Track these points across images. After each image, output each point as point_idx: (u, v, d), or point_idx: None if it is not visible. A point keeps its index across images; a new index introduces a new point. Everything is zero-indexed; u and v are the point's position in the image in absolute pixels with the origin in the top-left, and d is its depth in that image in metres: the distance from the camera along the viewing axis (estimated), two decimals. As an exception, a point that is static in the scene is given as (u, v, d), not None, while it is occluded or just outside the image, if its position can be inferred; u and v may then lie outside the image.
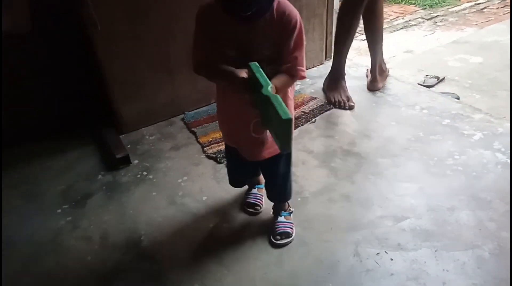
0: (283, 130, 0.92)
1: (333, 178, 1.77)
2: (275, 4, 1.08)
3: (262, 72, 0.99)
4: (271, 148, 1.28)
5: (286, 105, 0.92)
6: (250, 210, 1.60)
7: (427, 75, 2.92)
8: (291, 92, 1.26)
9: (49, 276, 1.40)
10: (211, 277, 1.35)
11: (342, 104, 2.31)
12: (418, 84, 2.66)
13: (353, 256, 1.39)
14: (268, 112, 0.94)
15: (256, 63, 1.02)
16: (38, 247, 1.51)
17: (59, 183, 1.84)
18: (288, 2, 1.11)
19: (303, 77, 1.16)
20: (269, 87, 0.95)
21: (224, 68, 1.09)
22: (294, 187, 1.72)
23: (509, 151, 1.83)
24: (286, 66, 1.13)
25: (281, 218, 1.50)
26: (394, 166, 1.81)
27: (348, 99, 2.34)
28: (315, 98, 2.39)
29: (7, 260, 1.46)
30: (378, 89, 2.47)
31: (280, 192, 1.45)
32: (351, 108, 2.29)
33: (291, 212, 1.54)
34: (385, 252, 1.39)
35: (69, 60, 2.04)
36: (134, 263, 1.42)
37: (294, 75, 1.15)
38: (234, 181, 1.56)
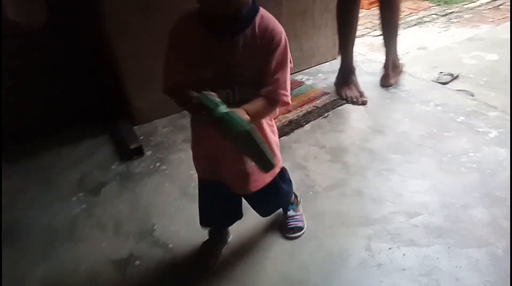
0: (249, 145, 0.84)
1: (345, 173, 1.76)
2: (257, 19, 0.95)
3: (212, 97, 0.87)
4: (259, 180, 1.16)
5: (263, 132, 0.88)
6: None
7: (441, 72, 2.87)
8: (270, 118, 1.12)
9: (64, 262, 1.42)
10: (222, 266, 1.36)
11: (355, 99, 2.30)
12: (432, 81, 2.64)
13: (364, 251, 1.39)
14: (230, 134, 0.85)
15: (208, 93, 0.89)
16: (55, 233, 1.54)
17: (75, 172, 1.87)
18: (272, 17, 0.99)
19: (286, 103, 1.02)
20: (221, 108, 0.85)
21: (189, 94, 0.93)
22: (306, 181, 1.73)
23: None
24: (266, 89, 0.98)
25: (290, 212, 1.48)
26: (407, 162, 1.80)
27: (361, 94, 2.33)
28: (328, 93, 2.39)
29: (25, 246, 1.50)
30: (390, 85, 2.45)
31: (274, 209, 1.43)
32: (364, 103, 2.28)
33: (299, 203, 1.52)
34: (397, 247, 1.39)
35: (85, 53, 2.07)
36: (147, 250, 1.45)
37: (274, 99, 0.99)
38: (209, 220, 1.34)
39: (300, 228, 1.46)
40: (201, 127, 1.08)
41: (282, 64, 0.98)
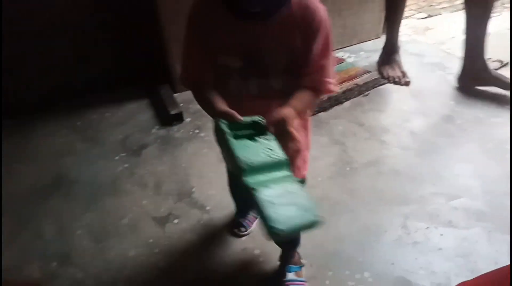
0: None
1: (384, 152, 1.74)
2: None
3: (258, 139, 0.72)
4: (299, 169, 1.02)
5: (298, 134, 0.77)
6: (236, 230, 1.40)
7: (489, 58, 2.74)
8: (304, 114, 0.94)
9: (109, 213, 1.50)
10: (257, 231, 1.40)
11: (397, 79, 2.24)
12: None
13: (401, 228, 1.38)
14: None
15: (259, 119, 0.75)
16: (99, 187, 1.62)
17: (117, 133, 1.94)
18: None
19: (331, 92, 0.89)
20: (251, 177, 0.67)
21: (217, 101, 0.82)
22: (344, 157, 1.72)
23: None
24: (310, 78, 0.86)
25: (290, 275, 1.20)
26: (450, 146, 1.75)
27: (404, 74, 2.26)
28: (369, 71, 2.33)
29: (72, 197, 1.59)
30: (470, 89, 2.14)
31: None
32: (406, 84, 2.22)
33: (302, 266, 1.24)
34: (435, 227, 1.38)
35: (129, 17, 2.10)
36: (185, 210, 1.50)
37: (319, 89, 0.88)
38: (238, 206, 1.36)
39: None
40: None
41: (325, 48, 0.85)
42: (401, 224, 1.39)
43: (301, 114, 0.85)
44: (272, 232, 0.61)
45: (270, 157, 0.70)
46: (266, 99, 0.85)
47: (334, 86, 0.89)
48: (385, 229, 1.38)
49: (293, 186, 0.68)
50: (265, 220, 0.62)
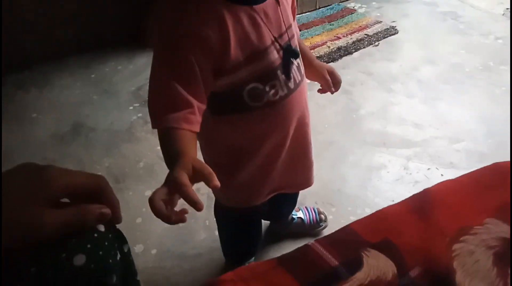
0: None
1: (391, 99, 1.77)
2: None
3: None
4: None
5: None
6: None
7: (507, 9, 2.66)
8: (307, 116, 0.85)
9: (125, 158, 1.60)
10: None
11: None
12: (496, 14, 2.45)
13: (403, 169, 1.44)
14: None
15: None
16: (116, 135, 1.71)
17: (130, 84, 2.00)
18: None
19: None
20: None
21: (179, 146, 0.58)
22: (351, 105, 1.76)
23: None
24: (298, 36, 0.80)
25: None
26: (457, 93, 1.77)
27: None
28: (380, 21, 2.30)
29: (91, 143, 1.68)
30: None
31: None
32: None
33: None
34: (436, 168, 1.43)
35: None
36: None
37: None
38: (247, 252, 1.12)
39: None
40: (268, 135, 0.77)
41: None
42: (403, 165, 1.45)
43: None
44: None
45: None
46: (301, 85, 0.76)
47: None
48: (387, 169, 1.44)
49: None
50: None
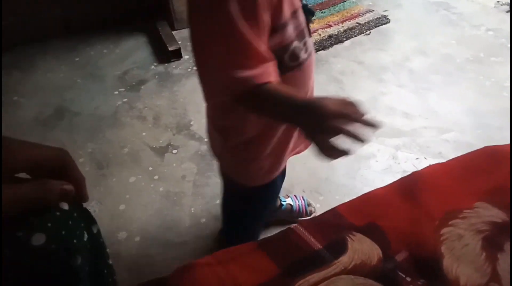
0: None
1: (381, 89, 1.75)
2: None
3: None
4: None
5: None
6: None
7: (498, 2, 2.65)
8: None
9: (110, 143, 1.56)
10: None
11: None
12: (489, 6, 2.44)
13: (392, 158, 1.43)
14: None
15: None
16: (100, 119, 1.66)
17: (116, 69, 1.95)
18: None
19: None
20: None
21: (289, 92, 0.60)
22: (340, 93, 1.74)
23: None
24: None
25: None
26: (447, 84, 1.76)
27: None
28: (372, 10, 2.28)
29: (75, 128, 1.63)
30: None
31: None
32: None
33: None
34: (424, 158, 1.42)
35: None
36: (184, 141, 1.55)
37: None
38: (260, 228, 1.07)
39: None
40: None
41: None
42: (392, 155, 1.44)
43: None
44: None
45: None
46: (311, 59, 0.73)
47: None
48: (376, 159, 1.43)
49: None
50: None
